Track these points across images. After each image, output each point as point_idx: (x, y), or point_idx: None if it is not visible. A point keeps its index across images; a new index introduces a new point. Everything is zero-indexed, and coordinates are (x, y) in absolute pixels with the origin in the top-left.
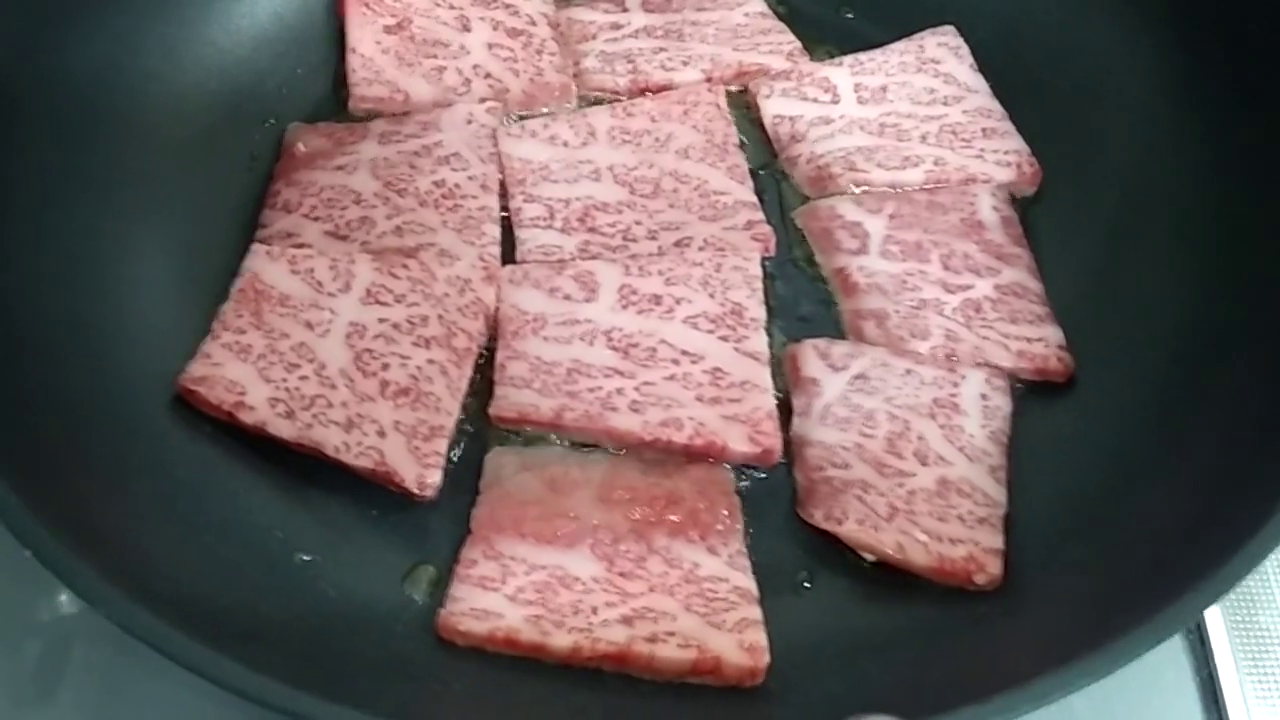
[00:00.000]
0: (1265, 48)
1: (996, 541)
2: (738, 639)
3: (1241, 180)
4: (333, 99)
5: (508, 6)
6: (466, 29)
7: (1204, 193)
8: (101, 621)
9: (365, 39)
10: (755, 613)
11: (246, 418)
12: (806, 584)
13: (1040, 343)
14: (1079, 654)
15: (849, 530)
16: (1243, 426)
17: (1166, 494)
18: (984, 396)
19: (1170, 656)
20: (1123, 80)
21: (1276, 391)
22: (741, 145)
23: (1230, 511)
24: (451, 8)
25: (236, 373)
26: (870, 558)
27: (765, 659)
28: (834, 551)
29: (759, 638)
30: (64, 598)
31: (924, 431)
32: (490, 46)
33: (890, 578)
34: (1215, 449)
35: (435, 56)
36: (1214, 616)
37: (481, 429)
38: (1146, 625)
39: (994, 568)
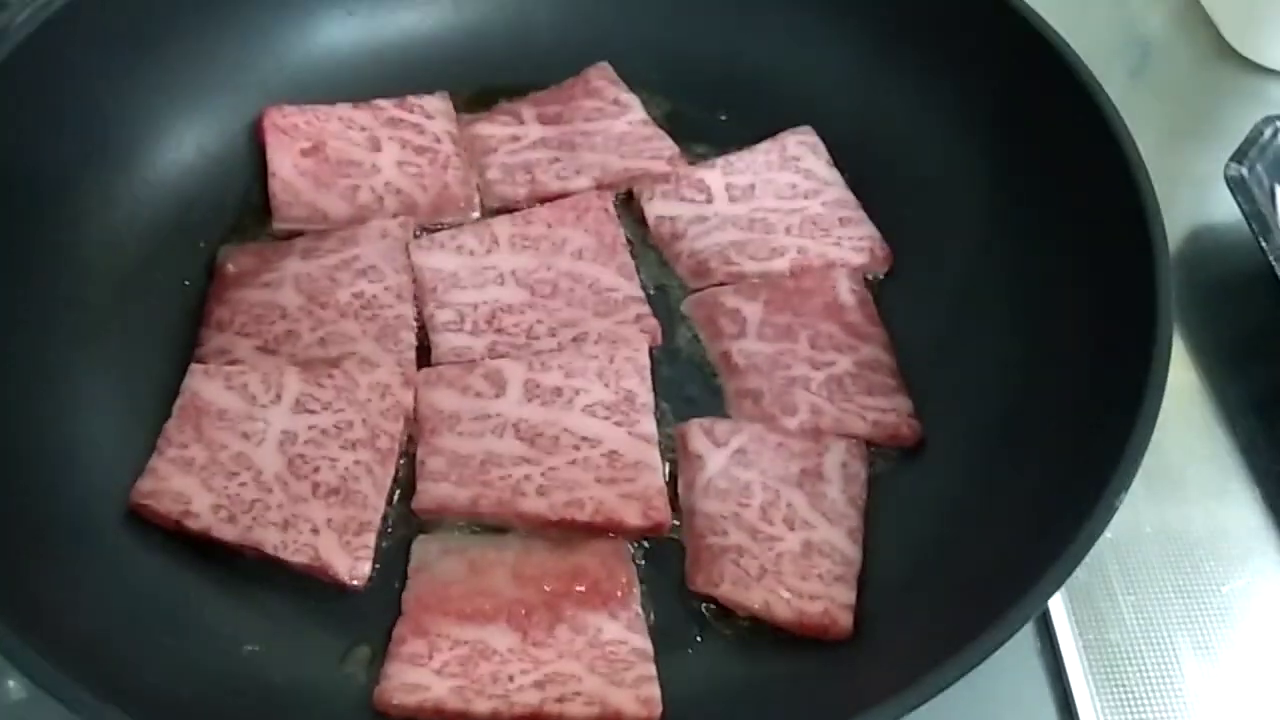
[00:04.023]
0: (1076, 151)
1: (849, 598)
2: (635, 694)
3: (1058, 261)
4: (257, 220)
5: (414, 126)
6: (377, 149)
7: (1023, 271)
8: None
9: (284, 163)
10: (650, 669)
11: (193, 524)
12: (699, 638)
13: (892, 412)
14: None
15: (725, 591)
16: (1054, 474)
17: (995, 538)
18: (844, 464)
19: (1028, 674)
20: (957, 171)
21: (1079, 443)
22: (629, 244)
23: (1042, 549)
24: (362, 129)
25: (182, 484)
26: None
27: (658, 710)
28: (719, 610)
29: (653, 692)
30: (12, 683)
31: (792, 499)
32: (400, 164)
33: (767, 633)
34: (1032, 496)
35: (349, 176)
36: (1066, 636)
37: (406, 519)
38: (968, 651)
39: (845, 621)
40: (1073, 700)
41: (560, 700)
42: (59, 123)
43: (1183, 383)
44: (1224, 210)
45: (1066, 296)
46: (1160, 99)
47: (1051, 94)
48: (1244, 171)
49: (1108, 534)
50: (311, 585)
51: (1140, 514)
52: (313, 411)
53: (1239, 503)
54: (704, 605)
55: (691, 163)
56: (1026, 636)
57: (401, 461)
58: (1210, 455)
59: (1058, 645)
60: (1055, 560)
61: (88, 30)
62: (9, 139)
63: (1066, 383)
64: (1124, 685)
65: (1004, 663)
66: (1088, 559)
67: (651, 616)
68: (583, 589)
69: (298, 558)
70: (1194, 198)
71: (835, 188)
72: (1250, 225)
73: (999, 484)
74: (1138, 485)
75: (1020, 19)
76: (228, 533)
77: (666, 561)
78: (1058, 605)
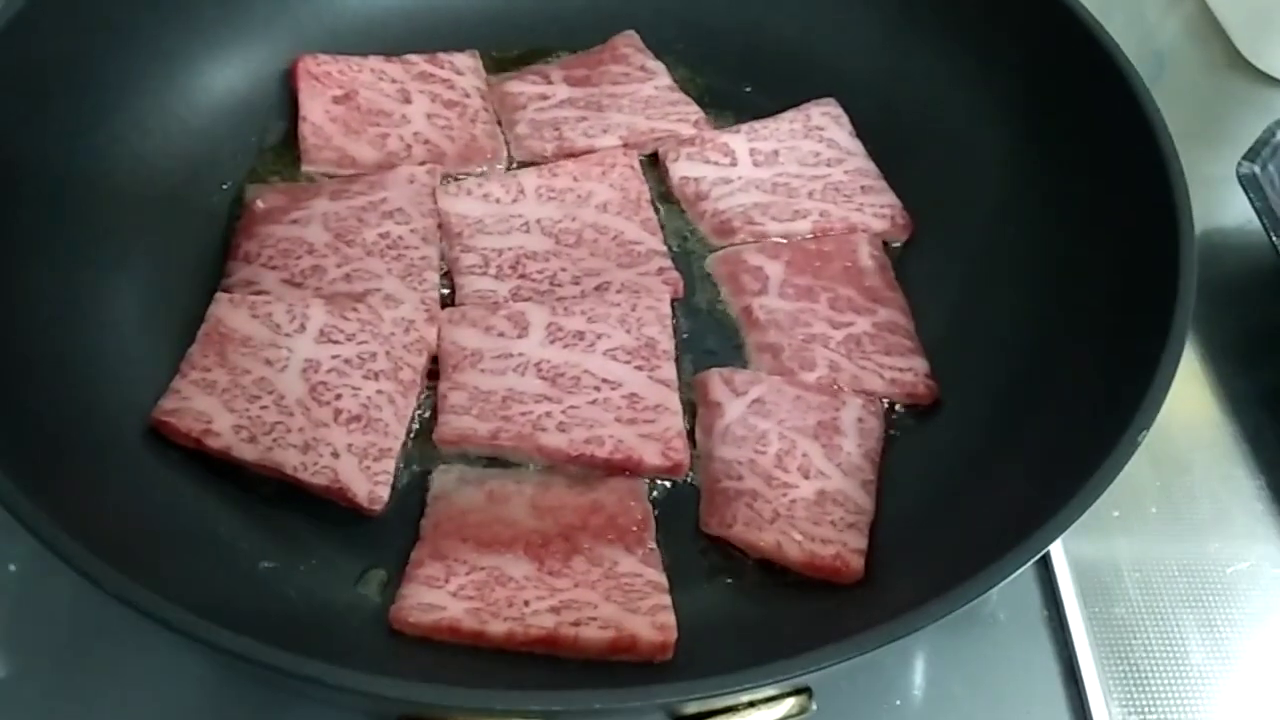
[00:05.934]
0: (1094, 124)
1: (861, 543)
2: (650, 620)
3: (1079, 229)
4: (285, 163)
5: (445, 81)
6: (407, 100)
7: (1044, 241)
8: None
9: (316, 109)
10: (666, 600)
11: (213, 443)
12: (709, 579)
13: (910, 372)
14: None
15: (737, 532)
16: (1064, 430)
17: (1006, 490)
18: (860, 419)
19: (1036, 645)
20: (977, 144)
21: (1089, 402)
22: (653, 201)
23: (1051, 499)
24: (393, 81)
25: (203, 405)
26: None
27: (674, 635)
28: (733, 553)
29: (669, 618)
30: (13, 567)
31: (808, 450)
32: (429, 116)
33: (779, 576)
34: (1044, 450)
35: (379, 124)
36: (1073, 608)
37: (424, 455)
38: (971, 583)
39: (857, 564)
40: (1079, 671)
41: (576, 624)
42: (98, 47)
43: (1190, 375)
44: (1232, 213)
45: (1086, 263)
46: (1173, 107)
47: (1076, 67)
48: (1256, 170)
49: (1114, 512)
50: (329, 509)
51: (1146, 495)
52: (336, 342)
53: (1244, 490)
54: (717, 549)
55: (716, 128)
56: (1035, 608)
57: (423, 397)
58: (1216, 443)
59: (1065, 617)
60: (1073, 495)
61: None
62: (49, 60)
63: (1070, 350)
64: (1128, 659)
65: (1012, 634)
66: (1096, 536)
67: (665, 557)
68: (599, 523)
69: (317, 479)
70: (1203, 200)
71: (857, 157)
72: (1262, 220)
73: (1015, 440)
74: (1145, 468)
75: None
76: (248, 453)
77: (682, 506)
78: (1066, 579)
